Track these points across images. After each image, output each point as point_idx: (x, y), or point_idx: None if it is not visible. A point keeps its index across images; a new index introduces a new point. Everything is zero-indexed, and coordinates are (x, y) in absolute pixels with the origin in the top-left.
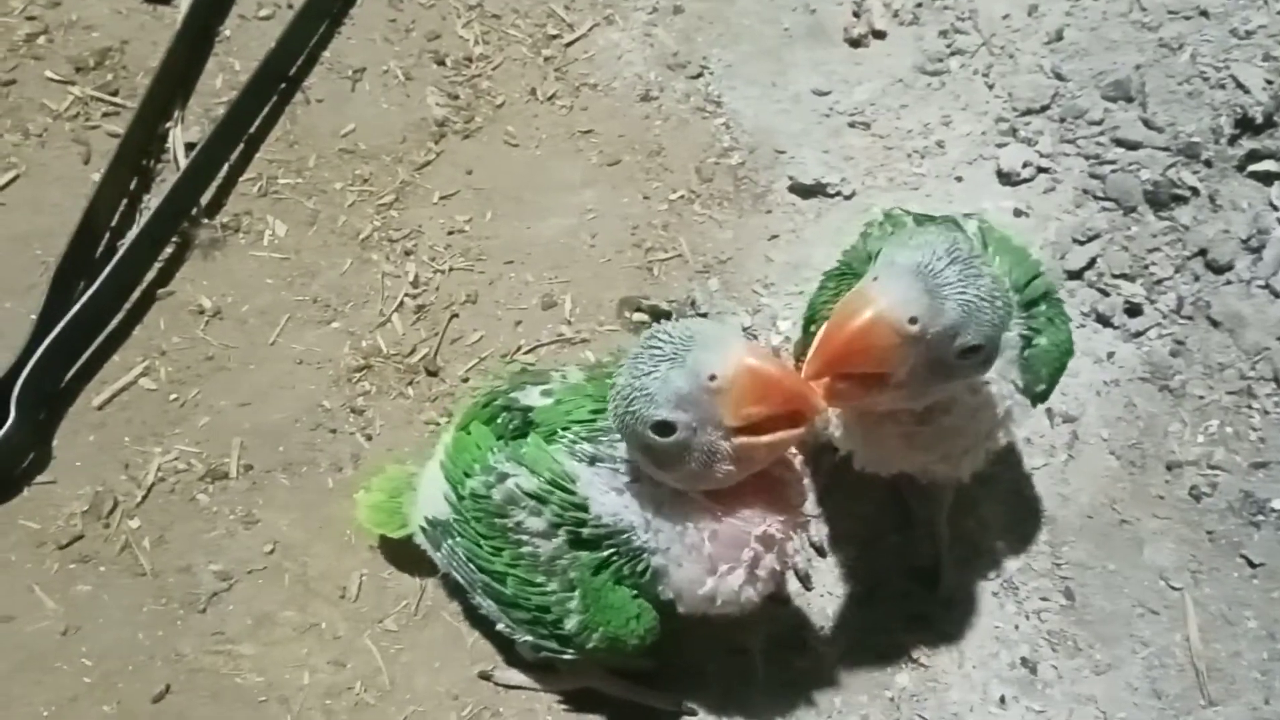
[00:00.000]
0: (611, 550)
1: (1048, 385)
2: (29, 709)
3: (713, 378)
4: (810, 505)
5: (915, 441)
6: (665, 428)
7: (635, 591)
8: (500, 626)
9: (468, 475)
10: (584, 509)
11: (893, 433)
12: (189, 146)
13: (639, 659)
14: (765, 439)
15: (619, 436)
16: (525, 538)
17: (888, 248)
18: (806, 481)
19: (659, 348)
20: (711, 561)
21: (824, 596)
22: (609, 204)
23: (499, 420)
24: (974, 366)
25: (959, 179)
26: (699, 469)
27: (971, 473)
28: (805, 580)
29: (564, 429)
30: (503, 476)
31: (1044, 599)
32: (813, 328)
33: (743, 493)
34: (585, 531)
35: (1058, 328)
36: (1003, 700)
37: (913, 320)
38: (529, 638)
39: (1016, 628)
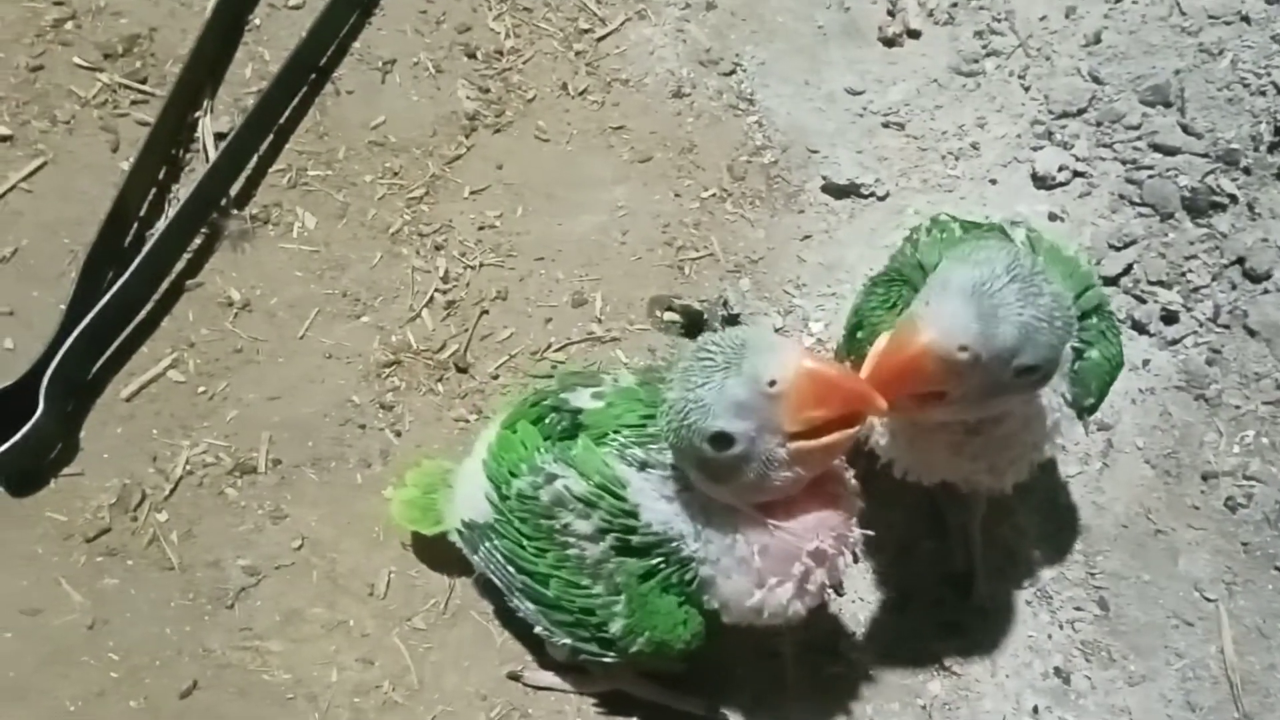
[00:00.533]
0: (660, 559)
1: (1096, 399)
2: (55, 703)
3: (772, 383)
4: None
5: (964, 451)
6: (724, 439)
7: (682, 599)
8: (538, 629)
9: (514, 475)
10: (634, 515)
11: (941, 441)
12: (218, 136)
13: (677, 663)
14: (822, 441)
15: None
16: (572, 540)
17: (944, 264)
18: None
19: (711, 358)
20: (760, 575)
21: (856, 602)
22: (640, 201)
23: (547, 421)
24: (1031, 384)
25: (993, 181)
26: (755, 479)
27: (1014, 484)
28: (838, 587)
29: (614, 433)
30: (551, 478)
31: (1078, 609)
32: (860, 334)
33: (795, 506)
34: (635, 539)
35: (1109, 341)
36: (1035, 710)
37: (963, 349)
38: (569, 640)
39: (1050, 637)
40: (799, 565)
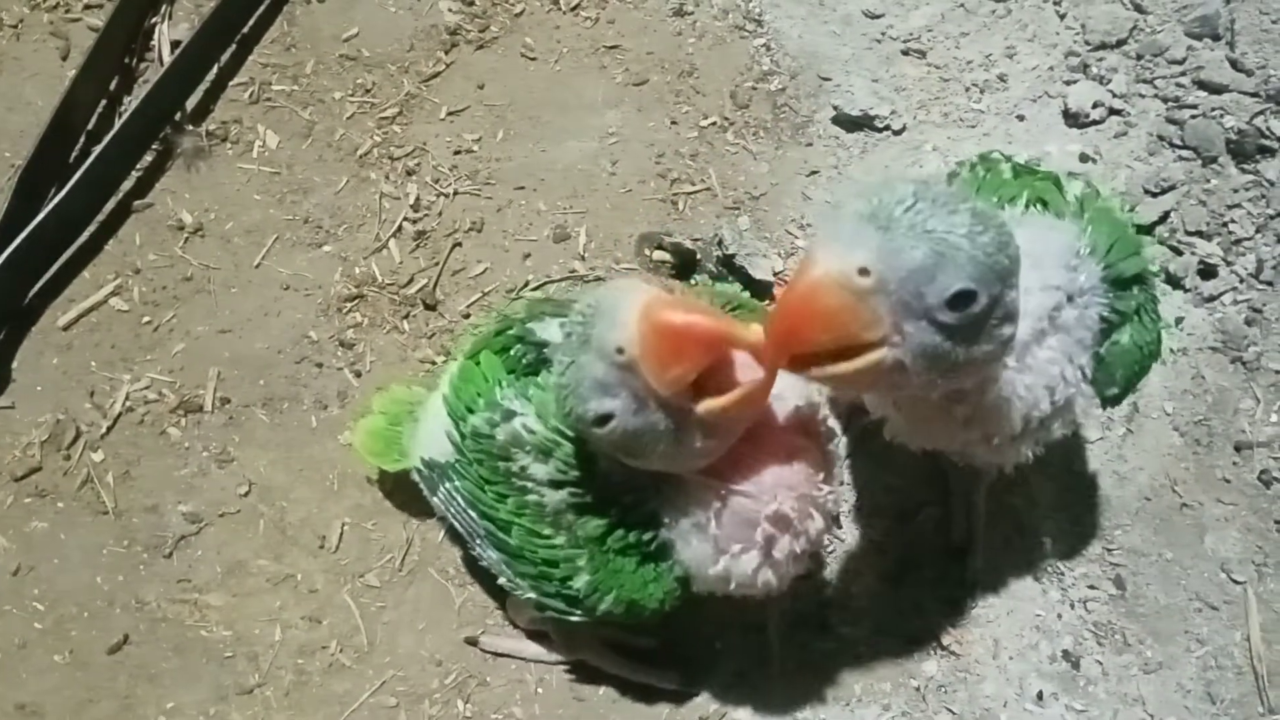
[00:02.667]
0: (621, 513)
1: (1121, 390)
2: None
3: (620, 351)
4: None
5: (953, 415)
6: (604, 420)
7: (645, 557)
8: (502, 581)
9: (471, 411)
10: (592, 464)
11: (929, 404)
12: (175, 45)
13: (648, 633)
14: (725, 400)
15: None
16: (530, 485)
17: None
18: (836, 446)
19: (572, 333)
20: (719, 542)
21: (849, 573)
22: (633, 128)
23: (512, 353)
24: (984, 325)
25: (1021, 118)
26: (671, 450)
27: (1016, 463)
28: (836, 519)
29: None
30: (509, 415)
31: (1092, 587)
32: None
33: (751, 465)
34: (596, 488)
35: (1145, 325)
36: (1040, 696)
37: (863, 272)
38: (534, 595)
39: (1060, 617)
40: (760, 531)
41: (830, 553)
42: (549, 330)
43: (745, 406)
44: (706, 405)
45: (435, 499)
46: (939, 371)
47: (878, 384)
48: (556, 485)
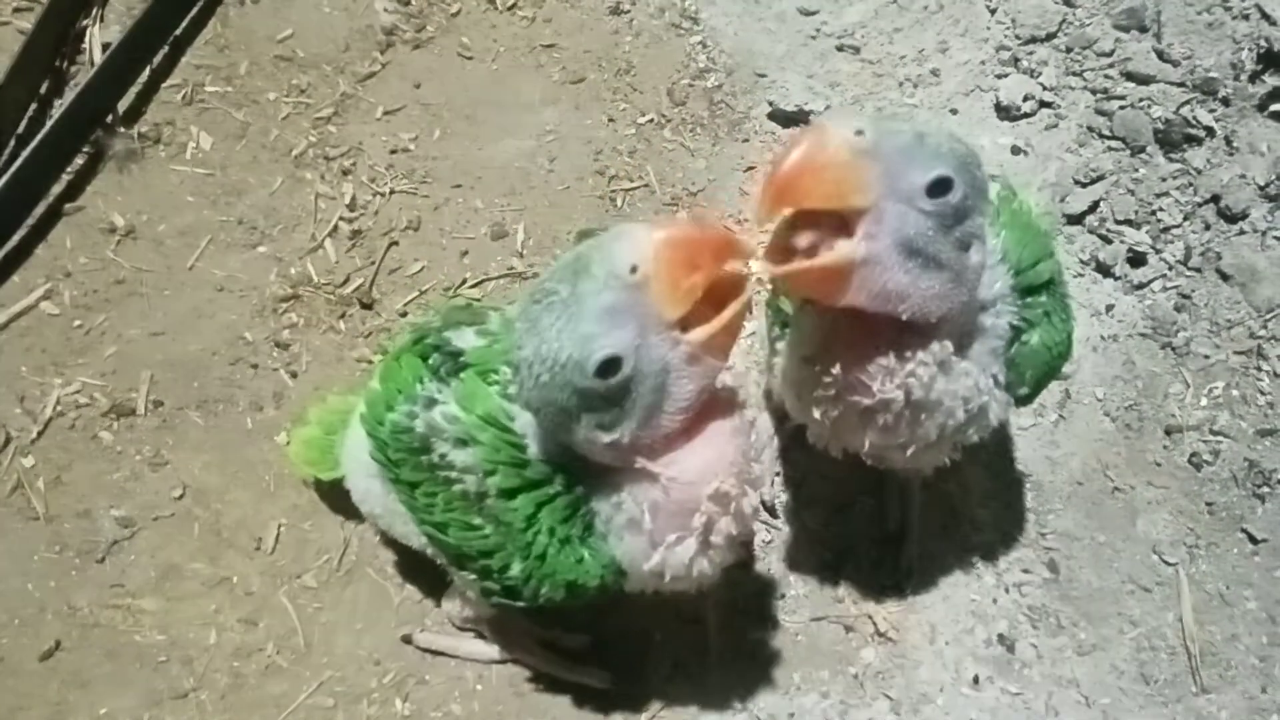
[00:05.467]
0: (552, 494)
1: (1031, 390)
2: None
3: (634, 269)
4: (773, 463)
5: (874, 423)
6: (612, 364)
7: (571, 538)
8: (456, 581)
9: (390, 409)
10: (520, 448)
11: (850, 409)
12: (106, 47)
13: (581, 630)
14: (720, 320)
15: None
16: (454, 474)
17: None
18: (762, 421)
19: (553, 291)
20: (653, 536)
21: (787, 563)
22: (570, 126)
23: (429, 361)
24: (956, 224)
25: (954, 111)
26: (654, 398)
27: (934, 467)
28: (771, 510)
29: (499, 370)
30: (430, 403)
31: (1026, 571)
32: None
33: (685, 450)
34: (526, 473)
35: (1054, 326)
36: (976, 680)
37: (859, 132)
38: (484, 585)
39: (995, 602)
40: (699, 516)
41: (768, 543)
42: (465, 339)
43: (732, 334)
44: (697, 332)
45: (365, 508)
46: (909, 273)
47: (845, 288)
48: (478, 472)
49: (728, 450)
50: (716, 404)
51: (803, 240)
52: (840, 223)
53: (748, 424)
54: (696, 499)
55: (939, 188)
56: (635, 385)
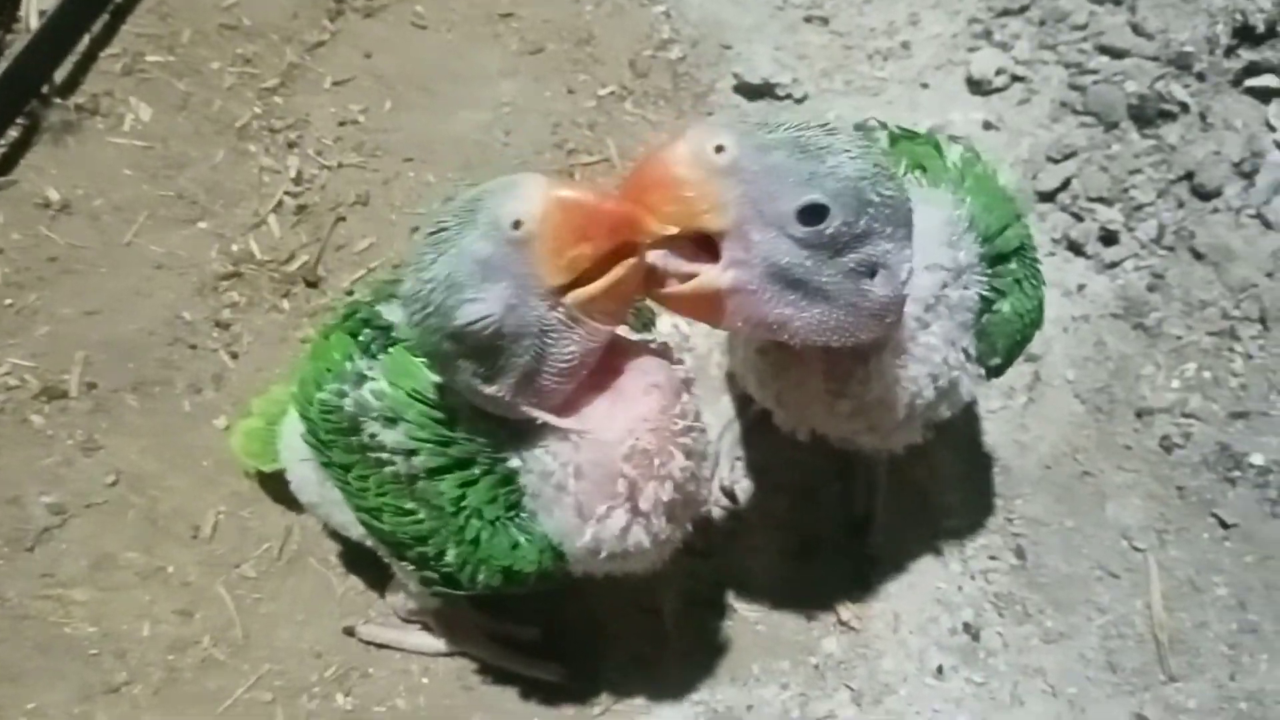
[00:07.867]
0: (479, 473)
1: (1003, 360)
2: None
3: (517, 224)
4: (735, 446)
5: (836, 409)
6: (477, 318)
7: (504, 517)
8: (398, 573)
9: (319, 387)
10: (447, 424)
11: (811, 394)
12: (43, 14)
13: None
14: (601, 282)
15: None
16: (385, 455)
17: None
18: (692, 382)
19: (443, 227)
20: (581, 504)
21: (749, 551)
22: (529, 98)
23: (360, 337)
24: (837, 255)
25: (925, 85)
26: (534, 361)
27: (905, 445)
28: (731, 495)
29: None
30: (360, 380)
31: (993, 557)
32: None
33: (595, 402)
34: (452, 450)
35: (1025, 294)
36: (940, 670)
37: (719, 149)
38: (423, 574)
39: (960, 589)
40: (621, 481)
41: (730, 531)
42: (395, 312)
43: (617, 299)
44: (576, 294)
45: (305, 498)
46: (790, 304)
47: (722, 314)
48: (407, 452)
49: (642, 406)
50: (636, 360)
51: (661, 261)
52: (710, 245)
53: (676, 382)
54: (612, 459)
55: (810, 215)
56: (507, 343)
